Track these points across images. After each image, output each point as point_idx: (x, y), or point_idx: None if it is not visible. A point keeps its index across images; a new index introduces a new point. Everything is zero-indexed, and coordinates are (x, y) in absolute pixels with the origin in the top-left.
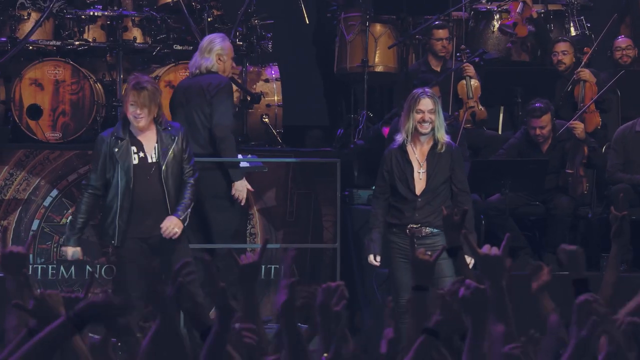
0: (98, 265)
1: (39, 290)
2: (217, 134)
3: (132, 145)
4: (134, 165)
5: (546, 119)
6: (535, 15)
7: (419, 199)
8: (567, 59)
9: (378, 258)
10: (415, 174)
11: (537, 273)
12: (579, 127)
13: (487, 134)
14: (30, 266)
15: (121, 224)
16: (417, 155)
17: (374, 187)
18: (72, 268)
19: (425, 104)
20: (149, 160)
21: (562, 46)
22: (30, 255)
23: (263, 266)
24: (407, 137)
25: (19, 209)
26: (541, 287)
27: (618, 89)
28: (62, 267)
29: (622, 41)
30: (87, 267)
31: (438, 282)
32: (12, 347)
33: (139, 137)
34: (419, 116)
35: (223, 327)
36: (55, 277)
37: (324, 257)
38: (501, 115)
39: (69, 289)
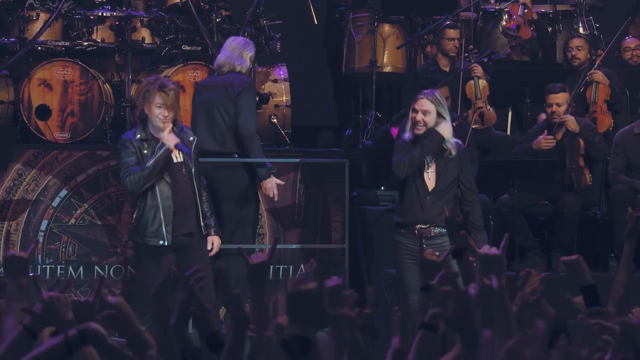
0: (107, 266)
1: (45, 293)
2: (245, 134)
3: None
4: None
5: (564, 96)
6: (535, 17)
7: (427, 198)
8: (582, 55)
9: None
10: (424, 173)
11: (526, 281)
12: (569, 120)
13: (496, 134)
14: (39, 266)
15: (167, 223)
16: None
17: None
18: (81, 268)
19: (421, 104)
20: (175, 160)
21: (576, 42)
22: (39, 256)
23: (272, 266)
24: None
25: (28, 209)
26: (534, 293)
27: (627, 88)
28: (70, 267)
29: (631, 41)
30: (96, 267)
31: None
32: (7, 344)
33: (160, 138)
34: (413, 115)
35: (238, 336)
36: (64, 277)
37: (332, 257)
38: (510, 116)
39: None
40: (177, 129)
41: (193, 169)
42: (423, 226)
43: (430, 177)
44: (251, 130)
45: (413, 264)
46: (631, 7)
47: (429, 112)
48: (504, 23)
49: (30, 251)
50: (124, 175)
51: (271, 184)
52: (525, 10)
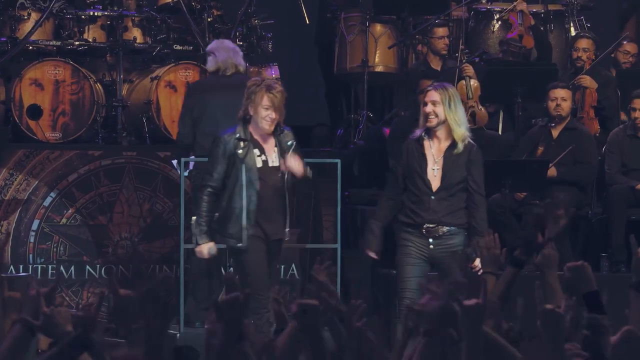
0: (98, 265)
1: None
2: None
3: (255, 148)
4: (258, 168)
5: (569, 93)
6: (533, 22)
7: (433, 197)
8: (586, 57)
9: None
10: (429, 170)
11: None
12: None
13: (488, 134)
14: (30, 266)
15: (247, 225)
16: (434, 151)
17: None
18: (72, 268)
19: (430, 95)
20: (270, 164)
21: (583, 43)
22: (30, 256)
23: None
24: (424, 131)
25: (19, 209)
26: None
27: (619, 89)
28: (61, 267)
29: (631, 46)
30: (87, 267)
31: None
32: (7, 343)
33: (260, 140)
34: (423, 108)
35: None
36: (55, 277)
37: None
38: (501, 115)
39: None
40: (279, 132)
41: (287, 176)
42: (431, 225)
43: (436, 175)
44: None
45: (417, 261)
46: (622, 9)
47: (438, 102)
48: (505, 34)
49: None
50: (203, 186)
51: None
52: (524, 17)
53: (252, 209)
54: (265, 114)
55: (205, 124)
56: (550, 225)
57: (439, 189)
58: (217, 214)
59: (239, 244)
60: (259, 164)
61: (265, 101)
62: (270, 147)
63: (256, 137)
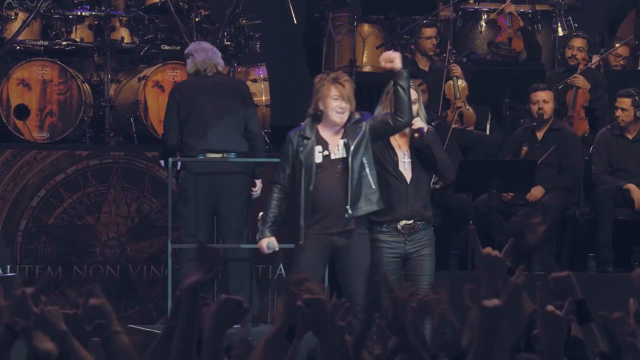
0: (85, 266)
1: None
2: (258, 145)
3: (318, 144)
4: (317, 164)
5: (550, 94)
6: (522, 24)
7: (408, 191)
8: (581, 56)
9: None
10: (400, 164)
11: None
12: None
13: (475, 134)
14: (17, 266)
15: (303, 223)
16: (399, 142)
17: None
18: (59, 268)
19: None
20: (332, 157)
21: (578, 42)
22: (17, 256)
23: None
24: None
25: (7, 209)
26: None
27: (609, 90)
28: (49, 267)
29: (623, 50)
30: (75, 267)
31: (417, 279)
32: None
33: (326, 134)
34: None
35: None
36: (40, 277)
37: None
38: (489, 115)
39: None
40: (353, 120)
41: (350, 165)
42: (408, 222)
43: (407, 168)
44: (261, 132)
45: (394, 263)
46: (614, 8)
47: (416, 100)
48: (495, 38)
49: None
50: (272, 183)
51: (261, 184)
52: (513, 19)
53: (310, 208)
54: (335, 105)
55: (194, 125)
56: (529, 234)
57: (411, 182)
58: (282, 212)
59: (298, 242)
60: (319, 160)
61: (334, 92)
62: (336, 139)
63: (323, 132)
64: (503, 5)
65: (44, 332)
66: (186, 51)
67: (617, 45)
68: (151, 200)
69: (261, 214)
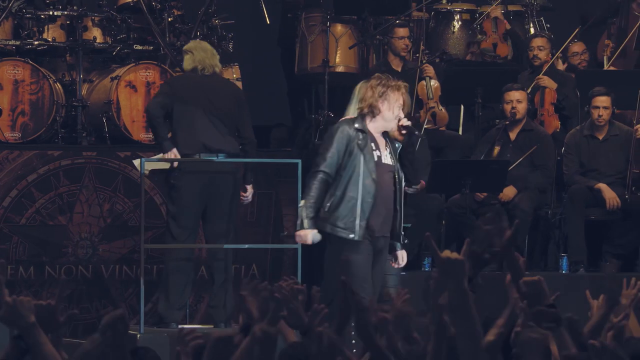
0: (57, 266)
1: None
2: (250, 151)
3: (371, 142)
4: (375, 161)
5: (524, 94)
6: (508, 27)
7: None
8: (543, 55)
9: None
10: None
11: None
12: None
13: (448, 134)
14: None
15: (362, 218)
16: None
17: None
18: (31, 268)
19: None
20: (383, 161)
21: (538, 41)
22: None
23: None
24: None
25: None
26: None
27: (579, 90)
28: (20, 267)
29: (577, 46)
30: (47, 267)
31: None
32: None
33: (376, 134)
34: None
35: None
36: (14, 278)
37: (284, 257)
38: (462, 116)
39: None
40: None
41: (397, 176)
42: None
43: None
44: (254, 138)
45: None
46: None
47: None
48: (481, 43)
49: None
50: (315, 171)
51: (252, 189)
52: (498, 24)
53: (368, 201)
54: (397, 113)
55: (190, 121)
56: (496, 240)
57: None
58: (328, 203)
59: (351, 235)
60: (375, 158)
61: (401, 101)
62: (382, 144)
63: (374, 132)
64: (489, 10)
65: (12, 323)
66: (185, 47)
67: (570, 44)
68: (124, 200)
69: (302, 201)
